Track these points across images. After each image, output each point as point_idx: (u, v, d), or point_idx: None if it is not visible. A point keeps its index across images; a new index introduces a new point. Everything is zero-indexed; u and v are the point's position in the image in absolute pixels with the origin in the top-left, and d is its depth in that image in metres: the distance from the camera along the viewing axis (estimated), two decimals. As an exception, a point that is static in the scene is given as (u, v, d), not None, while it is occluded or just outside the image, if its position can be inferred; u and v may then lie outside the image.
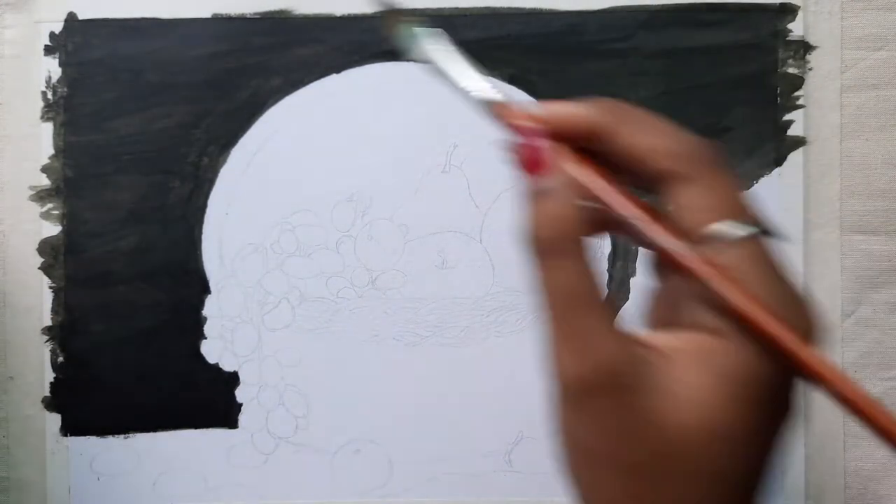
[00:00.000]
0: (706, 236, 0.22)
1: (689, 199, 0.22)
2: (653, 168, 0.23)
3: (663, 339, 0.22)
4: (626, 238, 0.24)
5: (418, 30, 0.26)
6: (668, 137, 0.23)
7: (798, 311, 0.22)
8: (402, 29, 0.26)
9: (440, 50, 0.25)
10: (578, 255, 0.22)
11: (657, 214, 0.23)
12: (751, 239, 0.22)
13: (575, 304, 0.22)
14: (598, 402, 0.21)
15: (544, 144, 0.23)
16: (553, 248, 0.22)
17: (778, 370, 0.21)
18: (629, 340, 0.22)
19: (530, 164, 0.23)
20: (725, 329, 0.21)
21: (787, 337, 0.21)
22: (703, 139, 0.23)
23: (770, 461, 0.22)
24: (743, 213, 0.22)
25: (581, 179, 0.23)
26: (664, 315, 0.24)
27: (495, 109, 0.24)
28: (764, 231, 0.22)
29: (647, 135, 0.23)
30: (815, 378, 0.21)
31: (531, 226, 0.23)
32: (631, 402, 0.21)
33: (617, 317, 0.22)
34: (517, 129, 0.24)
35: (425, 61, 0.25)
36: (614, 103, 0.24)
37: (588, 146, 0.23)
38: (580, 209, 0.23)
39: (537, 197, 0.23)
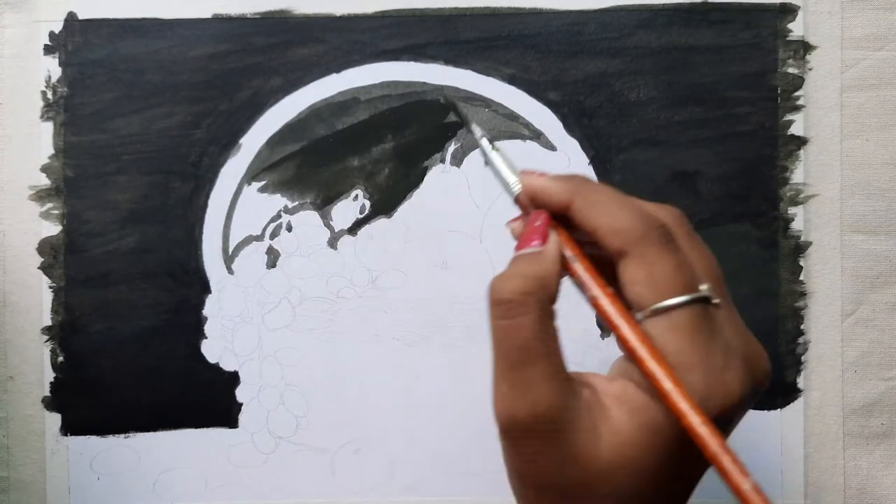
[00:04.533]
0: (644, 306, 0.25)
1: (628, 273, 0.25)
2: (603, 244, 0.26)
3: (601, 383, 0.26)
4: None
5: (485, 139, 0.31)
6: (615, 217, 0.26)
7: (728, 369, 0.25)
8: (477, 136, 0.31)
9: (497, 152, 0.30)
10: (538, 313, 0.25)
11: (604, 284, 0.26)
12: (680, 307, 0.25)
13: (525, 355, 0.25)
14: (529, 440, 0.25)
15: (543, 220, 0.27)
16: (517, 302, 0.25)
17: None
18: (566, 388, 0.25)
19: (529, 233, 0.27)
20: (645, 385, 0.25)
21: (676, 399, 0.24)
22: (654, 215, 0.26)
23: (676, 495, 0.26)
24: (673, 285, 0.25)
25: (564, 252, 0.27)
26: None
27: (518, 198, 0.28)
28: (697, 299, 0.25)
29: (600, 214, 0.26)
30: (697, 441, 0.23)
31: (504, 282, 0.26)
32: (558, 441, 0.24)
33: (561, 362, 0.25)
34: (524, 209, 0.28)
35: (486, 159, 0.30)
36: (581, 181, 0.27)
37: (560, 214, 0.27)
38: (557, 271, 0.26)
39: (525, 257, 0.26)
